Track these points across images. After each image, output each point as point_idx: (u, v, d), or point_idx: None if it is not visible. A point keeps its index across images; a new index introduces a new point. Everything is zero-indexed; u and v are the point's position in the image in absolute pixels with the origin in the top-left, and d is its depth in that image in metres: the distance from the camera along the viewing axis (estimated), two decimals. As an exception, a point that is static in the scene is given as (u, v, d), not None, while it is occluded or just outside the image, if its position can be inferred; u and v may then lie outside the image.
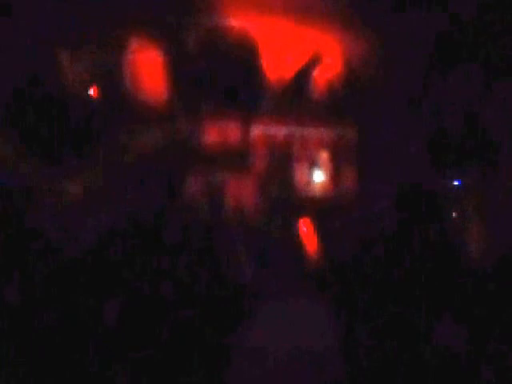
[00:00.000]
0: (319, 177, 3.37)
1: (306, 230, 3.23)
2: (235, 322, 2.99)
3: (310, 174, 3.37)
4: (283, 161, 3.36)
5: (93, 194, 3.07)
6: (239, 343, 2.93)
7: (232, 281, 3.08)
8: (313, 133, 3.37)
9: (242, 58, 3.34)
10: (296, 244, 3.21)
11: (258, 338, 2.94)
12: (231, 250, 3.16)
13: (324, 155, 3.37)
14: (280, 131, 3.36)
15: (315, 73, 3.38)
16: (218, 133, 3.32)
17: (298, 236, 3.24)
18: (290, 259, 3.16)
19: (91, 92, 3.19)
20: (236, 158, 3.32)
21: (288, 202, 3.33)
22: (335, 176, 3.36)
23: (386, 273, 3.08)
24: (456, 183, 3.27)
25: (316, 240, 3.20)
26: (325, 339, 2.93)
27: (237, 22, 3.31)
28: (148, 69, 3.26)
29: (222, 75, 3.30)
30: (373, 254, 3.12)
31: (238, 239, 3.18)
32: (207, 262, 3.09)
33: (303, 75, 3.38)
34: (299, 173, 3.36)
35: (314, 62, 3.38)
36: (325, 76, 3.37)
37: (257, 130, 3.35)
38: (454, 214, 3.25)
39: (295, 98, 3.38)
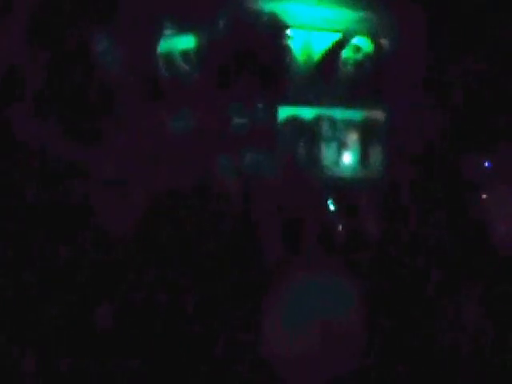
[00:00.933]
0: (347, 157, 3.40)
1: (335, 210, 3.27)
2: (267, 299, 3.04)
3: (339, 155, 3.41)
4: (312, 141, 3.40)
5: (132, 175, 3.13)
6: (270, 321, 2.98)
7: (265, 258, 3.13)
8: (341, 114, 3.40)
9: (272, 40, 3.37)
10: (324, 223, 3.25)
11: (287, 315, 2.98)
12: (265, 229, 3.20)
13: (352, 136, 3.41)
14: (309, 112, 3.39)
15: (343, 54, 3.40)
16: (249, 113, 3.37)
17: (326, 216, 3.28)
18: (320, 238, 3.21)
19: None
20: (265, 138, 3.37)
21: (316, 181, 3.37)
22: (363, 157, 3.39)
23: (412, 253, 3.11)
24: (486, 165, 3.28)
25: (345, 220, 3.25)
26: (351, 316, 2.97)
27: (267, 5, 3.34)
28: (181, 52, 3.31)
29: (252, 57, 3.34)
30: (398, 234, 3.15)
31: (271, 219, 3.23)
32: (242, 241, 3.14)
33: (332, 56, 3.40)
34: (327, 153, 3.40)
35: (342, 43, 3.40)
36: (353, 57, 3.39)
37: (286, 111, 3.39)
38: (483, 196, 3.26)
39: (324, 78, 3.41)
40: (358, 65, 3.38)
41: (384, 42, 3.39)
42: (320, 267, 3.05)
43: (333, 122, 3.39)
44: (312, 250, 3.14)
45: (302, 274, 3.02)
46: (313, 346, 2.90)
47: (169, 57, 3.30)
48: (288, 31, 3.35)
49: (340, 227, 3.22)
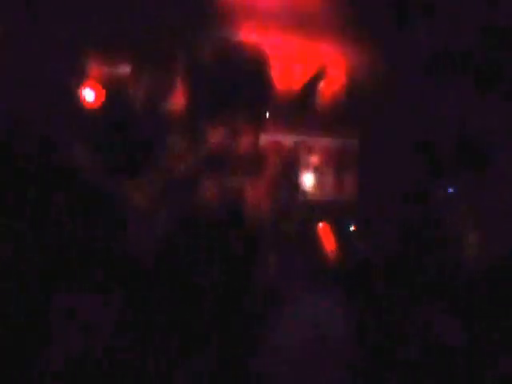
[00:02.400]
0: (323, 182, 3.62)
1: (318, 231, 3.48)
2: (261, 316, 3.21)
3: (316, 180, 3.62)
4: (291, 167, 3.60)
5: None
6: (265, 333, 3.16)
7: (256, 279, 3.30)
8: (318, 141, 3.61)
9: (253, 71, 3.55)
10: (308, 244, 3.45)
11: (281, 328, 3.16)
12: (252, 251, 3.37)
13: (328, 162, 3.62)
14: (288, 139, 3.59)
15: (321, 85, 3.62)
16: (232, 140, 3.53)
17: (309, 237, 3.48)
18: (306, 258, 3.40)
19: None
20: (249, 163, 3.54)
21: (295, 205, 3.56)
22: (338, 182, 3.61)
23: (392, 271, 3.35)
24: (450, 190, 3.56)
25: (328, 240, 3.46)
26: (339, 328, 3.17)
27: (248, 36, 3.51)
28: (171, 82, 3.45)
29: (234, 87, 3.51)
30: (380, 254, 3.39)
31: (257, 241, 3.40)
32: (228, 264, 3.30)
33: (310, 87, 3.62)
34: (305, 178, 3.61)
35: (320, 75, 3.61)
36: (330, 88, 3.61)
37: (267, 138, 3.57)
38: (448, 220, 3.53)
39: (302, 108, 3.62)
40: (334, 95, 3.59)
41: (359, 75, 3.61)
42: (313, 285, 3.26)
43: (310, 148, 3.60)
44: (301, 270, 3.34)
45: (295, 293, 3.22)
46: (305, 360, 3.09)
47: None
48: (269, 61, 3.54)
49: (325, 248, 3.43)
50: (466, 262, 3.46)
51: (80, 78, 3.48)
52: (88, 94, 3.50)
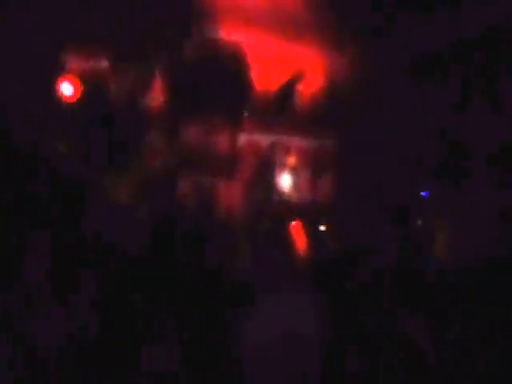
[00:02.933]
0: (299, 182, 3.64)
1: (292, 230, 3.51)
2: (234, 314, 3.23)
3: (291, 180, 3.64)
4: (267, 167, 3.62)
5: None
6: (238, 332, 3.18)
7: (229, 277, 3.31)
8: (295, 142, 3.64)
9: (232, 70, 3.56)
10: (282, 243, 3.47)
11: (255, 325, 3.18)
12: (225, 249, 3.39)
13: (305, 163, 3.65)
14: (265, 139, 3.61)
15: (299, 86, 3.64)
16: (209, 139, 3.55)
17: (283, 236, 3.51)
18: (279, 256, 3.42)
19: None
20: (225, 162, 3.56)
21: (271, 204, 3.58)
22: (314, 182, 3.64)
23: (362, 270, 3.39)
24: (423, 194, 3.60)
25: (302, 240, 3.48)
26: (311, 326, 3.20)
27: (229, 36, 3.53)
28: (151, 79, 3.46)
29: (213, 85, 3.52)
30: (352, 253, 3.43)
31: (230, 239, 3.42)
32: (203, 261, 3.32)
33: (288, 88, 3.64)
34: (281, 178, 3.63)
35: (298, 76, 3.64)
36: (308, 90, 3.63)
37: (244, 138, 3.59)
38: (420, 222, 3.58)
39: (280, 109, 3.64)
40: (311, 97, 3.62)
41: (337, 77, 3.64)
42: (287, 283, 3.29)
43: (287, 148, 3.62)
44: (275, 268, 3.36)
45: (272, 292, 3.25)
46: (277, 356, 3.11)
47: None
48: (249, 62, 3.55)
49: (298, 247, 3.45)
50: (438, 262, 3.50)
51: (58, 72, 3.48)
52: (66, 88, 3.49)
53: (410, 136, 3.57)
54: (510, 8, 3.37)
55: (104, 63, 3.55)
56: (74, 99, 3.52)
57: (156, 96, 3.52)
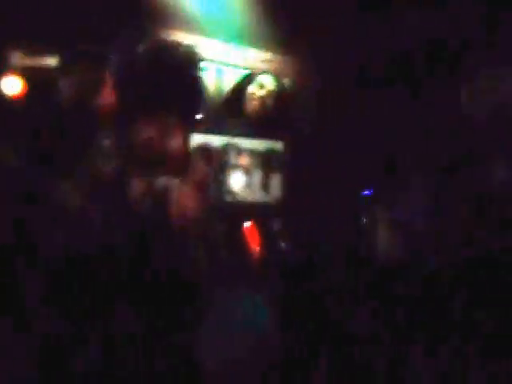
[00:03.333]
0: (250, 183, 3.72)
1: (245, 231, 3.58)
2: (188, 316, 3.24)
3: (243, 181, 3.71)
4: (219, 168, 3.66)
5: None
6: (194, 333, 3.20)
7: (182, 278, 3.32)
8: (246, 143, 3.71)
9: (184, 72, 3.57)
10: (235, 244, 3.54)
11: (209, 327, 3.22)
12: (178, 252, 3.39)
13: (256, 164, 3.74)
14: (217, 141, 3.66)
15: (250, 89, 3.73)
16: (161, 141, 3.53)
17: (236, 237, 3.57)
18: (232, 257, 3.48)
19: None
20: (178, 164, 3.55)
21: (223, 206, 3.64)
22: (266, 183, 3.74)
23: (314, 269, 3.54)
24: (366, 193, 3.83)
25: (255, 240, 3.56)
26: (266, 327, 3.29)
27: (182, 38, 3.54)
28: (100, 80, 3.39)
29: (165, 87, 3.51)
30: (304, 253, 3.56)
31: (184, 241, 3.42)
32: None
33: (239, 90, 3.71)
34: (233, 179, 3.69)
35: (249, 79, 3.72)
36: (259, 92, 3.73)
37: (196, 139, 3.61)
38: (364, 220, 3.80)
39: (232, 110, 3.70)
40: (262, 100, 3.72)
41: (285, 80, 3.77)
42: (240, 284, 3.35)
43: (239, 150, 3.69)
44: (233, 268, 3.41)
45: (226, 291, 3.29)
46: (234, 356, 3.18)
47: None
48: (202, 64, 3.58)
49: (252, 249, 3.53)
50: (379, 258, 3.73)
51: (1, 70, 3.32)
52: (8, 86, 3.35)
53: (355, 137, 3.78)
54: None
55: (51, 61, 3.43)
56: (18, 98, 3.38)
57: (107, 96, 3.45)
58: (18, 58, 3.36)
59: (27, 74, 3.36)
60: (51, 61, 3.41)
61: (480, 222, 3.49)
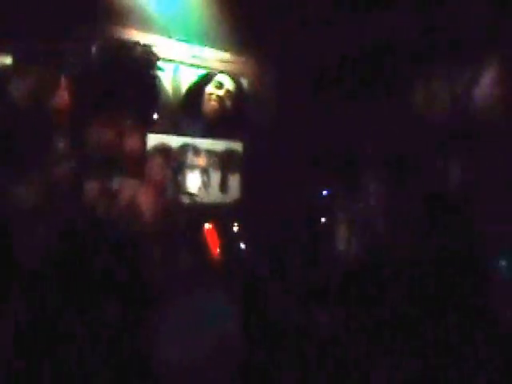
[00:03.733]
0: (208, 184, 3.71)
1: (203, 232, 3.56)
2: (148, 315, 3.22)
3: (200, 181, 3.70)
4: (177, 168, 3.64)
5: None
6: (154, 333, 3.18)
7: (142, 278, 3.30)
8: (204, 144, 3.70)
9: (141, 71, 3.54)
10: (194, 245, 3.52)
11: (170, 328, 3.20)
12: (136, 252, 3.37)
13: (214, 164, 3.72)
14: (175, 141, 3.63)
15: (207, 89, 3.71)
16: (117, 141, 3.50)
17: (194, 238, 3.55)
18: (191, 259, 3.46)
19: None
20: (134, 165, 3.52)
21: (181, 206, 3.62)
22: (224, 184, 3.73)
23: (274, 266, 3.55)
24: (325, 193, 3.84)
25: (214, 241, 3.55)
26: (228, 325, 3.29)
27: (139, 37, 3.51)
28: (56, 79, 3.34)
29: (121, 87, 3.48)
30: (263, 253, 3.57)
31: (141, 241, 3.40)
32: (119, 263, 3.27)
33: (197, 90, 3.69)
34: (191, 180, 3.68)
35: (207, 79, 3.70)
36: (216, 93, 3.71)
37: (153, 140, 3.58)
38: (322, 219, 3.81)
39: (189, 111, 3.68)
40: (220, 100, 3.70)
41: (243, 80, 3.76)
42: (200, 285, 3.34)
43: (197, 150, 3.67)
44: (192, 268, 3.40)
45: (184, 292, 3.28)
46: (195, 357, 3.17)
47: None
48: (159, 63, 3.55)
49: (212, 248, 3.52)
50: (339, 256, 3.76)
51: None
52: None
53: (311, 138, 3.79)
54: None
55: (4, 60, 3.37)
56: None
57: (61, 98, 3.41)
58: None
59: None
60: (4, 59, 3.34)
61: (433, 222, 3.54)
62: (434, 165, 3.53)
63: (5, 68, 3.34)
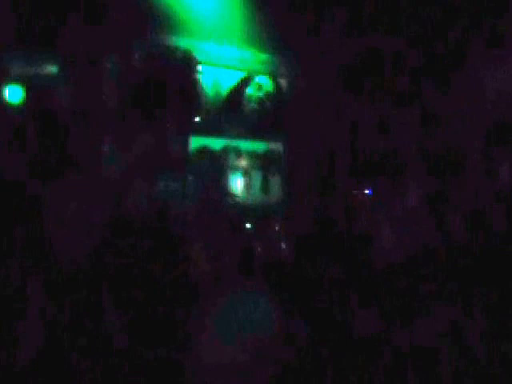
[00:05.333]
0: (249, 185, 3.76)
1: (246, 232, 3.61)
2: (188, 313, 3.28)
3: (242, 183, 3.75)
4: (219, 170, 3.69)
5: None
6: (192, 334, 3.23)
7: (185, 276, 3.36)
8: (245, 145, 3.74)
9: (183, 75, 3.60)
10: (237, 243, 3.57)
11: (210, 328, 3.25)
12: (181, 250, 3.43)
13: (255, 165, 3.77)
14: (217, 143, 3.69)
15: (247, 91, 3.75)
16: (161, 144, 3.56)
17: (237, 236, 3.60)
18: (235, 257, 3.51)
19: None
20: (178, 167, 3.59)
21: (223, 207, 3.67)
22: (264, 185, 3.77)
23: (316, 270, 3.56)
24: (367, 192, 3.85)
25: (255, 241, 3.60)
26: (268, 326, 3.32)
27: (180, 42, 3.56)
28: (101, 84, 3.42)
29: (165, 91, 3.54)
30: (303, 253, 3.59)
31: (188, 240, 3.46)
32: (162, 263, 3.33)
33: (237, 92, 3.73)
34: (233, 181, 3.73)
35: (247, 81, 3.74)
36: (256, 94, 3.75)
37: (196, 142, 3.64)
38: (364, 219, 3.82)
39: (230, 113, 3.73)
40: (260, 101, 3.74)
41: (283, 81, 3.79)
42: (241, 286, 3.38)
43: (238, 152, 3.72)
44: (233, 270, 3.45)
45: (226, 292, 3.32)
46: (236, 358, 3.21)
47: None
48: (199, 67, 3.60)
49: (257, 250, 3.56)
50: (380, 256, 3.75)
51: (2, 77, 3.35)
52: (11, 94, 3.38)
53: (351, 138, 3.80)
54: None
55: (51, 68, 3.46)
56: (19, 105, 3.41)
57: (107, 101, 3.49)
58: (18, 66, 3.39)
59: (28, 81, 3.38)
60: (51, 68, 3.43)
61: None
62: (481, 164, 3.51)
63: (52, 75, 3.43)
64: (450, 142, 3.62)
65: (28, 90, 3.39)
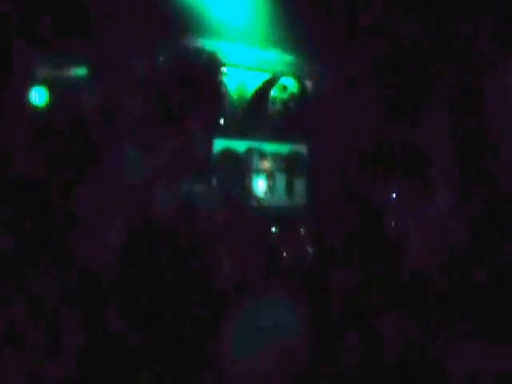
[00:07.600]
0: (274, 187, 3.73)
1: (271, 235, 3.58)
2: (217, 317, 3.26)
3: (266, 185, 3.72)
4: (244, 172, 3.67)
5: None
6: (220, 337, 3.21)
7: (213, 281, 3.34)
8: (270, 147, 3.71)
9: (207, 77, 3.58)
10: (262, 248, 3.54)
11: (237, 331, 3.23)
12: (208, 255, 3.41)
13: (279, 168, 3.74)
14: (241, 145, 3.66)
15: (272, 93, 3.72)
16: (185, 146, 3.55)
17: (262, 240, 3.57)
18: (259, 261, 3.49)
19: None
20: (202, 169, 3.57)
21: (248, 210, 3.64)
22: (289, 187, 3.74)
23: (341, 273, 3.53)
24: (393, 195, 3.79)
25: (281, 244, 3.57)
26: (296, 330, 3.29)
27: (204, 44, 3.54)
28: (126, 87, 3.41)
29: (189, 93, 3.52)
30: (329, 257, 3.55)
31: (213, 244, 3.44)
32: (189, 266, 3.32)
33: (262, 94, 3.70)
34: (257, 184, 3.70)
35: (271, 82, 3.71)
36: (280, 96, 3.72)
37: (219, 144, 3.62)
38: (392, 223, 3.76)
39: (254, 115, 3.70)
40: (285, 103, 3.71)
41: (308, 83, 3.75)
42: (269, 290, 3.35)
43: (262, 154, 3.69)
44: (260, 274, 3.42)
45: (253, 296, 3.30)
46: (266, 364, 3.18)
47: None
48: (224, 68, 3.58)
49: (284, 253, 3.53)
50: (408, 263, 3.70)
51: (28, 81, 3.36)
52: (36, 97, 3.38)
53: (376, 140, 3.75)
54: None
55: (76, 72, 3.46)
56: (44, 109, 3.42)
57: (132, 104, 3.48)
58: (44, 70, 3.40)
59: (54, 84, 3.39)
60: (78, 71, 3.44)
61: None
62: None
63: (78, 79, 3.44)
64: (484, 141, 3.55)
65: (54, 93, 3.40)
